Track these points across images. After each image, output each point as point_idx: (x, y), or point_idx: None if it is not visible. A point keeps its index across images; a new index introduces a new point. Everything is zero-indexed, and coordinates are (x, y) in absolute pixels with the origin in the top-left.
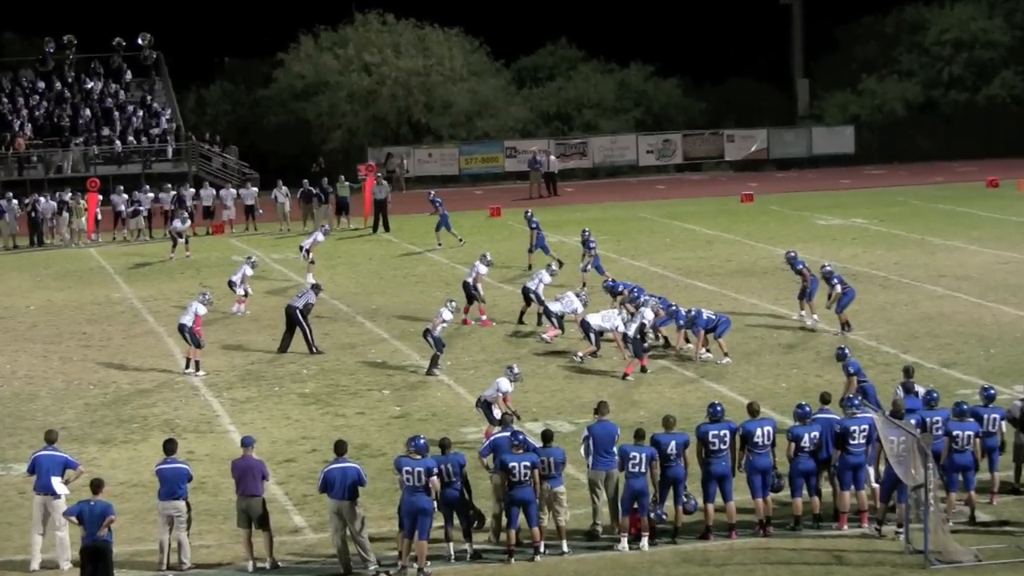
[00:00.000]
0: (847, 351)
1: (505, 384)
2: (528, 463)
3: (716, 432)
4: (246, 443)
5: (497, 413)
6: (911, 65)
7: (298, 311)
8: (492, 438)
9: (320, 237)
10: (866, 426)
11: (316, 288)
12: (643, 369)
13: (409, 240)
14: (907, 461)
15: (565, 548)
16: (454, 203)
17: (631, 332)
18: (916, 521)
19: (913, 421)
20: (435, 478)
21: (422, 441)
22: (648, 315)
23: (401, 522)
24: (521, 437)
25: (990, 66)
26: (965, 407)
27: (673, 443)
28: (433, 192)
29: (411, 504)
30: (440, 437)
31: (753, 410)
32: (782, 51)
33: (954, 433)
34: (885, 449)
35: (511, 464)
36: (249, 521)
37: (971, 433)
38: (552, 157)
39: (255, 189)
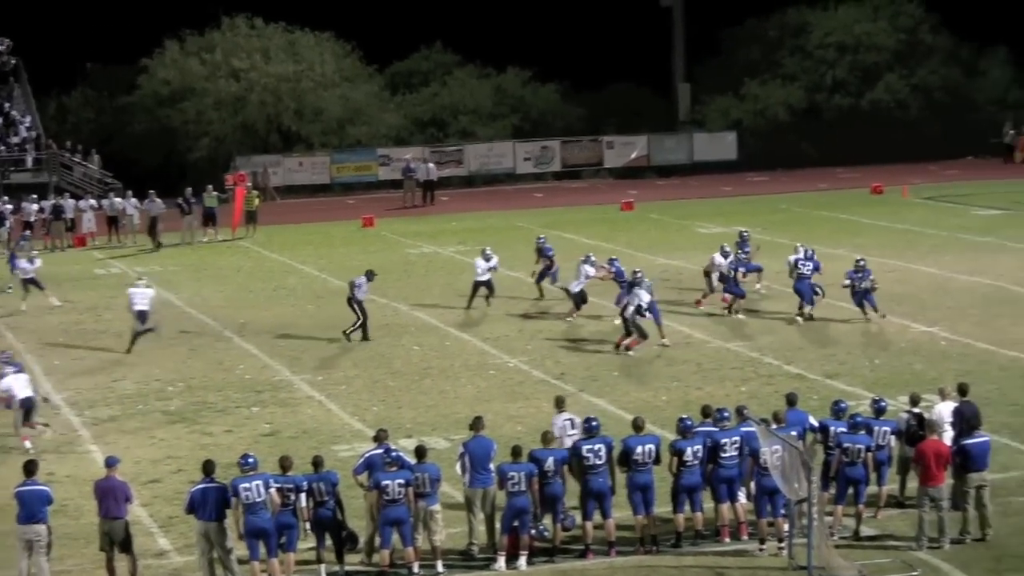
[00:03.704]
0: None
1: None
2: (402, 481)
3: (591, 447)
4: (109, 463)
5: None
6: (794, 69)
7: (350, 300)
8: (366, 455)
9: (152, 292)
10: (738, 438)
11: (370, 275)
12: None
13: (279, 252)
14: (789, 474)
15: (440, 568)
16: (326, 213)
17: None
18: (800, 536)
19: (794, 433)
20: (273, 491)
21: (252, 459)
22: (645, 297)
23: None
24: (394, 454)
25: (874, 70)
26: (860, 419)
27: (551, 459)
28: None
29: (252, 524)
30: (312, 455)
31: (637, 425)
32: (663, 55)
33: (845, 446)
34: (768, 460)
35: (384, 482)
36: (112, 544)
37: (862, 446)
38: (431, 165)
39: (119, 199)
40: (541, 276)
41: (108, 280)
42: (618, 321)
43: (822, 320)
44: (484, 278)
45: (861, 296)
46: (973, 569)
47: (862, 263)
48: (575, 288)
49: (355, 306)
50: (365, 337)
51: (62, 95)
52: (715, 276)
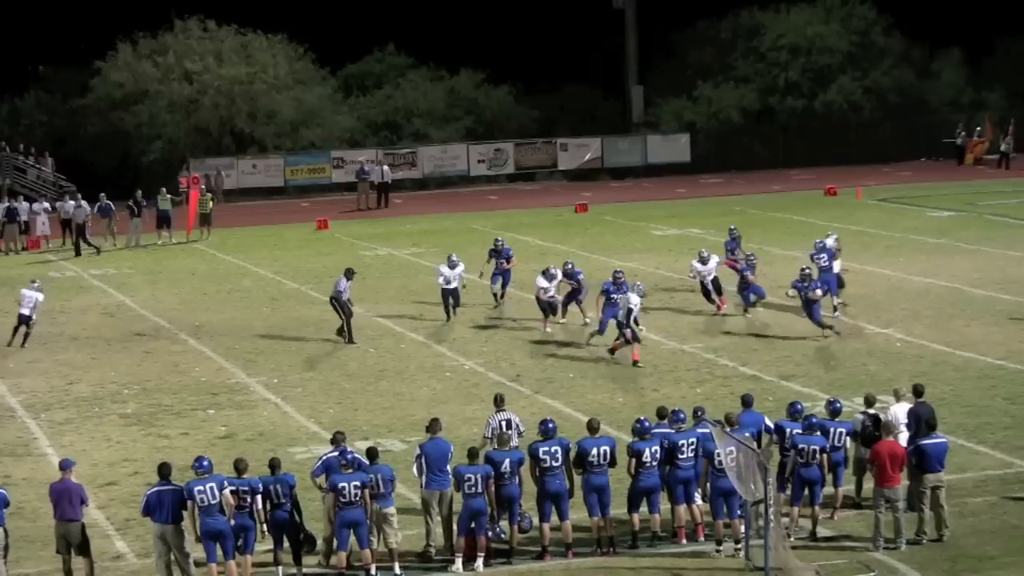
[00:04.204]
0: None
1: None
2: (358, 483)
3: (547, 449)
4: (64, 466)
5: None
6: (747, 71)
7: (333, 299)
8: (324, 457)
9: (40, 296)
10: (694, 440)
11: (349, 273)
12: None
13: (233, 254)
14: (745, 475)
15: (397, 570)
16: (280, 215)
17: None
18: (756, 537)
19: (749, 434)
20: (227, 492)
21: (206, 462)
22: (635, 300)
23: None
24: (350, 456)
25: (827, 72)
26: (815, 421)
27: (507, 461)
28: None
29: (209, 526)
30: (268, 457)
31: (592, 427)
32: (616, 57)
33: (800, 446)
34: (724, 462)
35: (340, 484)
36: (69, 547)
37: (816, 447)
38: (385, 167)
39: (72, 202)
40: (495, 278)
41: (62, 283)
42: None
43: (777, 323)
44: (452, 286)
45: (809, 306)
46: (929, 570)
47: (807, 272)
48: (544, 296)
49: (337, 306)
50: (342, 334)
51: (14, 98)
52: (708, 282)
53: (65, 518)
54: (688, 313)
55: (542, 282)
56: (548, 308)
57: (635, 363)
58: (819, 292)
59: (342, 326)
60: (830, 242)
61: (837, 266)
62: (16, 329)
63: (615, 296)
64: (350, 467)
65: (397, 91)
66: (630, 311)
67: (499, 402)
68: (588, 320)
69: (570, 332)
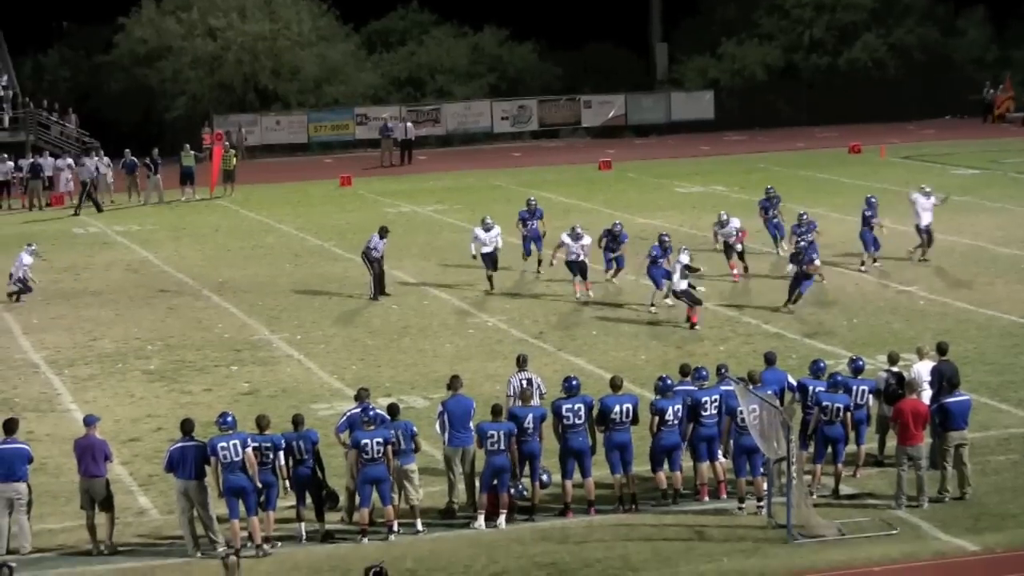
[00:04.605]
0: None
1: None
2: (380, 439)
3: (570, 406)
4: (88, 422)
5: None
6: (771, 28)
7: (363, 255)
8: (348, 414)
9: (28, 259)
10: (717, 397)
11: (384, 231)
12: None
13: (257, 211)
14: (768, 433)
15: (419, 526)
16: (303, 172)
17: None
18: (779, 494)
19: (771, 392)
20: (249, 451)
21: (230, 418)
22: (685, 259)
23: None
24: (372, 413)
25: (852, 29)
26: (838, 379)
27: (530, 416)
28: None
29: (231, 483)
30: (292, 413)
31: (615, 385)
32: (640, 14)
33: (823, 404)
34: (746, 419)
35: (363, 441)
36: (92, 502)
37: (840, 405)
38: (408, 124)
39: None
40: (527, 243)
41: (86, 239)
42: (668, 302)
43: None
44: (489, 250)
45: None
46: (952, 527)
47: (804, 216)
48: (571, 257)
49: (368, 261)
50: (376, 294)
51: (38, 54)
52: (731, 243)
53: (89, 474)
54: (711, 271)
55: (566, 239)
56: (577, 270)
57: (693, 325)
58: (816, 263)
59: (372, 285)
60: (918, 196)
61: (927, 218)
62: (16, 291)
63: (661, 260)
64: (372, 423)
65: (421, 48)
66: (687, 266)
67: (521, 363)
68: (615, 281)
69: (596, 290)
